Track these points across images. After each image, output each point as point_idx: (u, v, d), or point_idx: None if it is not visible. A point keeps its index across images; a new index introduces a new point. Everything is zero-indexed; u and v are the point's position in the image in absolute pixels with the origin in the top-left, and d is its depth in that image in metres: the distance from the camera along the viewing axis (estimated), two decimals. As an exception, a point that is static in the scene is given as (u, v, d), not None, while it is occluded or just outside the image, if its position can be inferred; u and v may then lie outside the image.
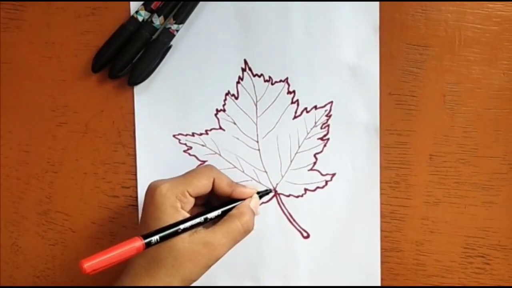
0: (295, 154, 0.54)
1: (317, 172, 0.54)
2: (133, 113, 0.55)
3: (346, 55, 0.52)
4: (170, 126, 0.54)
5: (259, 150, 0.54)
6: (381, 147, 0.53)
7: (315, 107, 0.53)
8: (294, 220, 0.54)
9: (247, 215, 0.48)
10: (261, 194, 0.52)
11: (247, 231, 0.48)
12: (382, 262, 0.54)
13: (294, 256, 0.54)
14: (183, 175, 0.48)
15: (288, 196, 0.54)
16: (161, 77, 0.54)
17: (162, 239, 0.44)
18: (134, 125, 0.55)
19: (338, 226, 0.54)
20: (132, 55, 0.53)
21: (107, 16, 0.54)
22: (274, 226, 0.54)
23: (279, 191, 0.54)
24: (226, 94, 0.54)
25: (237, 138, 0.54)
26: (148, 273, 0.46)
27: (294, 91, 0.53)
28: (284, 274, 0.54)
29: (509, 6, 0.51)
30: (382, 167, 0.53)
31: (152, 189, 0.47)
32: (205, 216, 0.47)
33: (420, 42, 0.52)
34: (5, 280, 0.57)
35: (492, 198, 0.53)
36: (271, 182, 0.54)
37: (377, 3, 0.52)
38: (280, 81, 0.53)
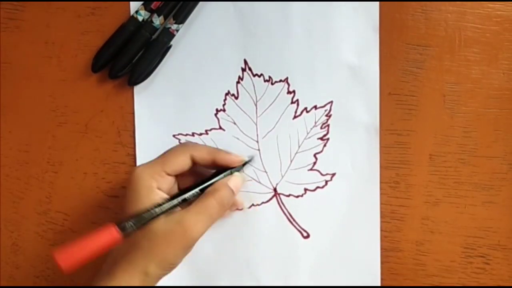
0: (295, 154, 0.54)
1: (317, 172, 0.54)
2: (133, 113, 0.55)
3: (346, 55, 0.52)
4: (170, 126, 0.54)
5: (259, 150, 0.54)
6: (381, 147, 0.53)
7: (315, 107, 0.53)
8: (294, 220, 0.54)
9: (222, 191, 0.47)
10: (244, 164, 0.51)
11: (223, 206, 0.47)
12: (382, 262, 0.54)
13: (294, 256, 0.54)
14: (160, 156, 0.48)
15: (288, 196, 0.54)
16: (161, 77, 0.54)
17: (137, 224, 0.43)
18: (134, 125, 0.55)
19: (338, 226, 0.54)
20: (132, 55, 0.53)
21: (107, 16, 0.54)
22: (274, 226, 0.54)
23: (279, 191, 0.54)
24: (226, 94, 0.54)
25: (237, 138, 0.54)
26: (125, 257, 0.44)
27: (294, 91, 0.53)
28: (284, 274, 0.54)
29: (509, 6, 0.51)
30: (382, 167, 0.53)
31: (129, 176, 0.46)
32: (183, 197, 0.46)
33: (420, 42, 0.52)
34: (5, 280, 0.57)
35: (492, 198, 0.53)
36: (271, 182, 0.54)
37: (377, 3, 0.52)
38: (280, 81, 0.53)
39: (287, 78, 0.53)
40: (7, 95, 0.56)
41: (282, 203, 0.54)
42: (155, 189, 0.46)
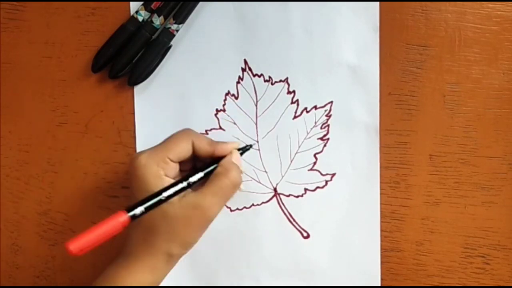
0: (295, 154, 0.54)
1: (317, 172, 0.54)
2: (133, 113, 0.55)
3: (346, 55, 0.52)
4: (170, 126, 0.54)
5: (259, 150, 0.54)
6: (381, 147, 0.53)
7: (315, 107, 0.53)
8: (294, 220, 0.54)
9: (233, 170, 0.47)
10: (242, 151, 0.51)
11: (236, 185, 0.47)
12: (382, 262, 0.54)
13: (294, 256, 0.54)
14: (162, 142, 0.48)
15: (288, 196, 0.54)
16: (161, 77, 0.54)
17: (147, 209, 0.43)
18: (134, 125, 0.55)
19: (338, 226, 0.54)
20: (132, 55, 0.53)
21: (107, 16, 0.54)
22: (274, 226, 0.54)
23: (279, 191, 0.54)
24: (226, 94, 0.54)
25: (237, 138, 0.54)
26: (146, 241, 0.46)
27: (294, 91, 0.53)
28: (284, 274, 0.54)
29: (509, 6, 0.51)
30: (382, 167, 0.53)
31: (131, 163, 0.46)
32: (188, 181, 0.46)
33: (420, 42, 0.52)
34: (5, 280, 0.57)
35: (492, 198, 0.53)
36: (271, 182, 0.54)
37: (377, 3, 0.52)
38: (280, 81, 0.53)
39: (287, 78, 0.53)
40: (7, 95, 0.56)
41: (282, 203, 0.54)
42: (163, 177, 0.46)
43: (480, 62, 0.52)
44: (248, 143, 0.52)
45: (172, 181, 0.46)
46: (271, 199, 0.54)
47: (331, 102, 0.53)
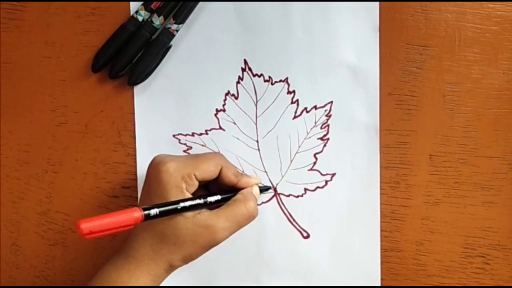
0: (295, 154, 0.54)
1: (317, 172, 0.54)
2: (133, 113, 0.55)
3: (346, 55, 0.52)
4: (170, 126, 0.54)
5: (259, 150, 0.54)
6: (381, 147, 0.53)
7: (315, 107, 0.53)
8: (294, 220, 0.54)
9: (252, 201, 0.48)
10: (261, 190, 0.52)
11: (251, 216, 0.48)
12: (382, 262, 0.54)
13: (294, 256, 0.54)
14: (191, 157, 0.48)
15: (288, 196, 0.54)
16: (161, 77, 0.54)
17: (162, 214, 0.44)
18: (134, 125, 0.55)
19: (338, 226, 0.54)
20: (132, 55, 0.53)
21: (107, 16, 0.54)
22: (274, 226, 0.54)
23: (279, 191, 0.54)
24: (226, 94, 0.54)
25: (237, 138, 0.54)
26: (152, 247, 0.46)
27: (294, 91, 0.53)
28: (284, 274, 0.54)
29: (509, 6, 0.51)
30: (382, 167, 0.53)
31: (158, 165, 0.47)
32: (206, 199, 0.47)
33: (420, 42, 0.52)
34: (5, 280, 0.57)
35: (492, 198, 0.53)
36: (271, 182, 0.54)
37: (377, 3, 0.52)
38: (280, 81, 0.53)
39: (287, 78, 0.53)
40: (7, 95, 0.56)
41: (282, 203, 0.54)
42: (184, 191, 0.46)
43: (480, 62, 0.52)
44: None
45: (190, 196, 0.47)
46: (271, 199, 0.54)
47: (331, 102, 0.53)
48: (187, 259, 0.47)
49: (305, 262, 0.54)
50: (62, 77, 0.55)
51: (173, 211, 0.45)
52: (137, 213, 0.42)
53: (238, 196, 0.48)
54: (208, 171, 0.47)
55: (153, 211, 0.43)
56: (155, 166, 0.47)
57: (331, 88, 0.53)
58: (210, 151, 0.54)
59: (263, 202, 0.54)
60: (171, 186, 0.46)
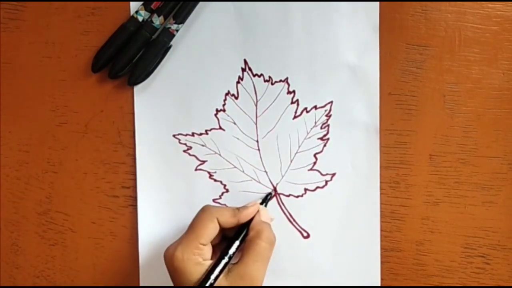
0: (295, 154, 0.54)
1: (317, 172, 0.54)
2: (133, 113, 0.55)
3: (346, 55, 0.52)
4: (170, 126, 0.54)
5: (259, 150, 0.54)
6: (381, 147, 0.53)
7: (315, 107, 0.53)
8: (294, 220, 0.54)
9: (265, 230, 0.48)
10: (265, 203, 0.53)
11: (272, 243, 0.48)
12: (382, 262, 0.54)
13: (294, 256, 0.54)
14: (189, 230, 0.48)
15: (288, 196, 0.54)
16: (161, 77, 0.54)
17: None
18: (134, 125, 0.55)
19: (338, 226, 0.54)
20: (132, 55, 0.53)
21: (107, 16, 0.54)
22: (274, 226, 0.54)
23: (279, 191, 0.54)
24: (226, 94, 0.54)
25: (237, 138, 0.54)
26: None
27: (294, 91, 0.53)
28: (284, 274, 0.54)
29: (509, 6, 0.51)
30: (382, 167, 0.53)
31: (169, 259, 0.47)
32: (228, 255, 0.47)
33: (420, 42, 0.52)
34: (5, 280, 0.57)
35: (492, 198, 0.53)
36: (271, 182, 0.54)
37: (377, 3, 0.52)
38: (280, 81, 0.53)
39: (287, 78, 0.53)
40: (7, 95, 0.56)
41: (282, 203, 0.54)
42: (202, 262, 0.46)
43: (480, 62, 0.52)
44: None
45: (211, 262, 0.47)
46: (271, 199, 0.54)
47: (331, 102, 0.53)
48: None
49: (305, 262, 0.54)
50: (62, 77, 0.55)
51: (210, 286, 0.45)
52: None
53: (251, 233, 0.48)
54: (209, 231, 0.47)
55: None
56: (167, 261, 0.47)
57: (331, 88, 0.53)
58: (210, 151, 0.54)
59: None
60: (190, 268, 0.46)
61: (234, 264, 0.47)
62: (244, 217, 0.49)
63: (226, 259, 0.47)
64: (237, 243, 0.48)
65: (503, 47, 0.51)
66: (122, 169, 0.55)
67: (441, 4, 0.51)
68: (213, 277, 0.46)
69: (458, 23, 0.52)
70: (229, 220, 0.49)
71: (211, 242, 0.48)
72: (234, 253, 0.48)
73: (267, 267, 0.48)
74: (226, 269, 0.47)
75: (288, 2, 0.52)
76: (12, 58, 0.55)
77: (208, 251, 0.48)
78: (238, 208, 0.50)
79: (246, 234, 0.49)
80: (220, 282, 0.46)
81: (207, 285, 0.45)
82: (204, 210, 0.49)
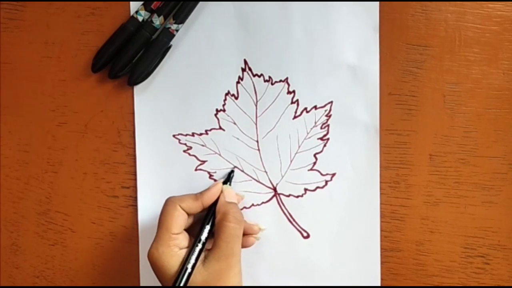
0: (295, 154, 0.54)
1: (317, 172, 0.54)
2: (133, 113, 0.55)
3: (346, 55, 0.52)
4: (170, 126, 0.54)
5: (259, 150, 0.54)
6: (381, 147, 0.53)
7: (315, 107, 0.53)
8: (294, 220, 0.54)
9: (231, 211, 0.48)
10: (229, 181, 0.52)
11: (240, 222, 0.48)
12: (382, 262, 0.54)
13: (294, 256, 0.54)
14: (159, 225, 0.48)
15: (288, 196, 0.54)
16: (161, 77, 0.54)
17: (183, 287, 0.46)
18: (134, 125, 0.55)
19: (338, 226, 0.54)
20: (132, 55, 0.53)
21: (107, 16, 0.54)
22: (274, 226, 0.54)
23: (279, 191, 0.54)
24: (226, 94, 0.54)
25: (237, 138, 0.54)
26: None
27: (294, 91, 0.53)
28: (284, 274, 0.54)
29: (509, 6, 0.51)
30: (382, 167, 0.53)
31: (149, 258, 0.47)
32: (201, 241, 0.48)
33: (420, 42, 0.52)
34: (5, 280, 0.57)
35: (492, 198, 0.53)
36: (271, 182, 0.54)
37: (377, 3, 0.52)
38: (280, 81, 0.53)
39: (287, 78, 0.53)
40: (7, 95, 0.56)
41: (282, 203, 0.54)
42: (178, 252, 0.47)
43: (480, 62, 0.52)
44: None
45: (184, 250, 0.47)
46: (271, 199, 0.54)
47: (331, 102, 0.53)
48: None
49: (305, 262, 0.54)
50: (62, 77, 0.55)
51: (188, 277, 0.46)
52: None
53: (218, 217, 0.48)
54: (177, 220, 0.47)
55: None
56: (149, 260, 0.47)
57: (331, 88, 0.53)
58: (210, 151, 0.54)
59: (263, 202, 0.54)
60: (168, 261, 0.46)
61: (209, 250, 0.47)
62: (207, 199, 0.49)
63: (199, 245, 0.47)
64: (207, 227, 0.48)
65: (503, 47, 0.51)
66: (122, 169, 0.55)
67: (441, 4, 0.51)
68: (189, 266, 0.46)
69: (458, 23, 0.52)
70: (193, 205, 0.49)
71: (187, 230, 0.48)
72: (206, 238, 0.48)
73: (241, 243, 0.48)
74: (202, 256, 0.47)
75: (288, 2, 0.52)
76: (12, 58, 0.55)
77: (183, 239, 0.48)
78: (201, 192, 0.50)
79: (215, 217, 0.49)
80: (198, 270, 0.46)
81: (184, 274, 0.45)
82: (166, 201, 0.49)
